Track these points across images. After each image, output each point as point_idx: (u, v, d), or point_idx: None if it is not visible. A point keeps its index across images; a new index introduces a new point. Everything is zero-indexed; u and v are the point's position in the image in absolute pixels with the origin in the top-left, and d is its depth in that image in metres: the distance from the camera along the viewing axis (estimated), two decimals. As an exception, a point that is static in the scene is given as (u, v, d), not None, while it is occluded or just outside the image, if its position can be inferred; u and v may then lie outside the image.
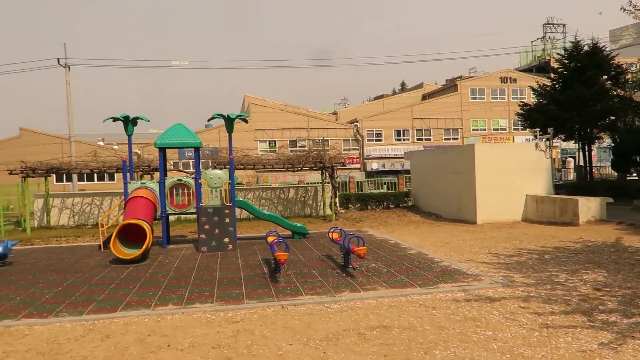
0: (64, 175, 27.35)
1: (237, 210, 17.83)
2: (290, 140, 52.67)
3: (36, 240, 17.64)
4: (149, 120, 15.66)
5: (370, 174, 50.87)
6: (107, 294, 9.25)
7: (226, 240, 13.97)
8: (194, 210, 14.98)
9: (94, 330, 7.27)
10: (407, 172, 31.08)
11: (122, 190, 16.45)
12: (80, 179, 45.09)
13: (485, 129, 57.98)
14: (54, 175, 30.13)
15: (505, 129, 58.05)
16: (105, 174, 42.89)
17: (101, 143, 53.02)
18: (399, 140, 55.45)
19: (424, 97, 63.40)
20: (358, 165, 53.56)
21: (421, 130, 56.30)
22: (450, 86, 60.23)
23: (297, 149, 50.13)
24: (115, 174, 40.02)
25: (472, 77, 61.97)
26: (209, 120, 15.49)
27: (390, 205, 24.69)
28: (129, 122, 15.34)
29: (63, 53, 35.54)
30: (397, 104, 60.89)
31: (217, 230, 14.00)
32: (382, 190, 28.89)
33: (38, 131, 50.12)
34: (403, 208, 24.35)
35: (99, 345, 6.61)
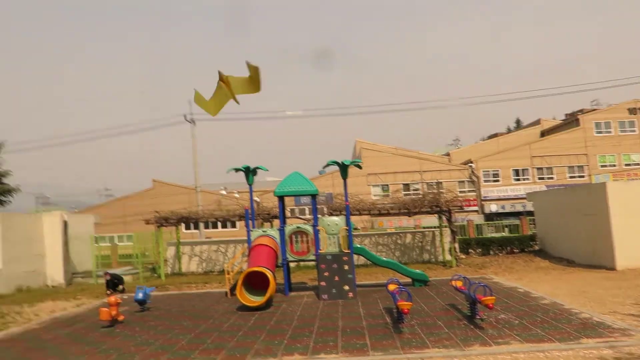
0: (191, 223, 29.20)
1: (355, 256, 17.83)
2: (403, 184, 52.24)
3: (170, 286, 18.86)
4: (267, 170, 16.36)
5: (489, 217, 48.75)
6: (236, 341, 9.56)
7: (346, 287, 13.96)
8: (313, 257, 15.22)
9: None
10: (530, 213, 29.38)
11: (245, 237, 17.17)
12: (206, 226, 47.91)
13: (615, 165, 53.53)
14: (183, 224, 32.37)
15: (638, 164, 53.19)
16: (228, 222, 45.18)
17: (223, 192, 56.16)
18: (518, 180, 52.80)
19: (543, 134, 60.19)
20: (475, 208, 51.62)
21: (542, 168, 53.24)
22: (571, 121, 56.68)
23: (411, 192, 49.57)
24: (237, 222, 42.03)
25: (595, 109, 57.92)
26: (323, 167, 15.84)
27: (515, 250, 23.35)
28: (250, 173, 16.12)
29: (189, 110, 38.62)
30: (514, 142, 58.33)
31: (336, 278, 14.07)
32: (504, 234, 27.49)
33: (168, 182, 54.40)
34: (529, 252, 22.91)
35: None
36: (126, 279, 19.86)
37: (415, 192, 49.45)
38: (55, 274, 21.53)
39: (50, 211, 24.82)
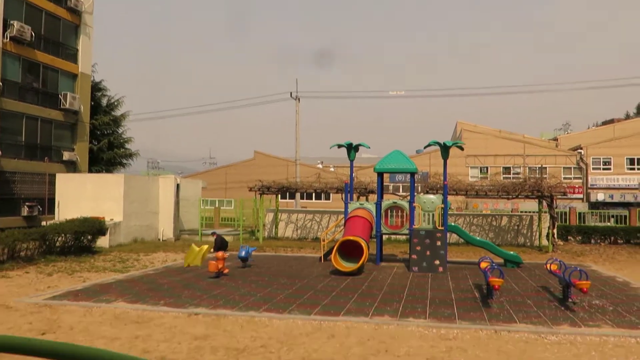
0: (288, 193, 30.58)
1: (447, 235, 17.96)
2: (503, 167, 50.57)
3: (267, 248, 20.10)
4: (369, 147, 16.86)
5: (595, 205, 46.04)
6: (330, 300, 10.28)
7: (437, 262, 14.25)
8: (406, 232, 15.60)
9: (321, 329, 8.21)
10: (642, 205, 27.55)
11: (338, 209, 17.89)
12: (301, 196, 49.51)
13: None
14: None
15: None
16: (322, 194, 46.36)
17: (320, 166, 57.56)
18: (632, 169, 49.19)
19: (666, 121, 55.34)
20: (580, 196, 48.90)
21: (661, 158, 49.10)
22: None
23: (511, 176, 47.91)
24: (332, 194, 43.11)
25: None
26: (425, 147, 16.08)
27: (619, 241, 22.20)
28: (352, 149, 16.71)
29: (295, 87, 39.81)
30: (632, 130, 54.17)
31: (428, 252, 14.38)
32: (609, 224, 26.08)
33: (269, 154, 56.58)
34: (635, 244, 21.70)
35: (326, 342, 7.49)
36: (228, 238, 21.33)
37: (516, 176, 47.73)
38: (166, 229, 23.61)
39: (166, 174, 27.08)
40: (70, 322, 8.47)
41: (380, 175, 16.33)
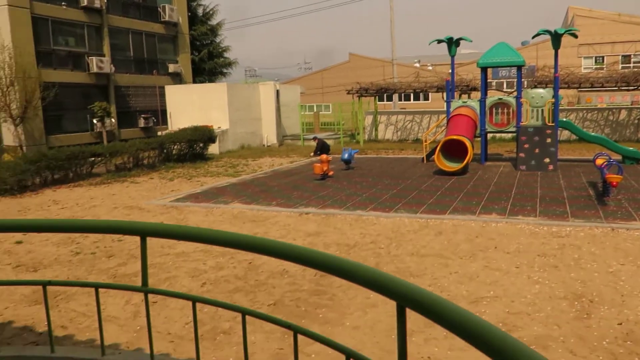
0: (385, 95, 29.98)
1: (558, 131, 17.03)
2: (622, 56, 45.88)
3: (368, 150, 20.30)
4: (471, 41, 15.97)
5: None
6: (435, 199, 10.36)
7: (546, 160, 13.69)
8: (513, 129, 15.00)
9: (428, 227, 8.38)
10: None
11: (438, 109, 17.42)
12: (399, 98, 48.58)
13: None
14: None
15: None
16: (420, 94, 45.14)
17: (417, 65, 55.58)
18: None
19: None
20: None
21: None
22: None
23: (632, 65, 43.51)
24: (430, 94, 41.78)
25: None
26: (533, 37, 14.96)
27: None
28: (452, 44, 15.94)
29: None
30: None
31: (536, 150, 13.82)
32: None
33: (364, 56, 55.37)
34: None
35: (433, 239, 7.66)
36: (329, 142, 21.75)
37: (637, 64, 43.28)
38: (270, 135, 24.46)
39: (265, 82, 27.64)
40: (195, 221, 9.31)
41: (483, 70, 15.57)
